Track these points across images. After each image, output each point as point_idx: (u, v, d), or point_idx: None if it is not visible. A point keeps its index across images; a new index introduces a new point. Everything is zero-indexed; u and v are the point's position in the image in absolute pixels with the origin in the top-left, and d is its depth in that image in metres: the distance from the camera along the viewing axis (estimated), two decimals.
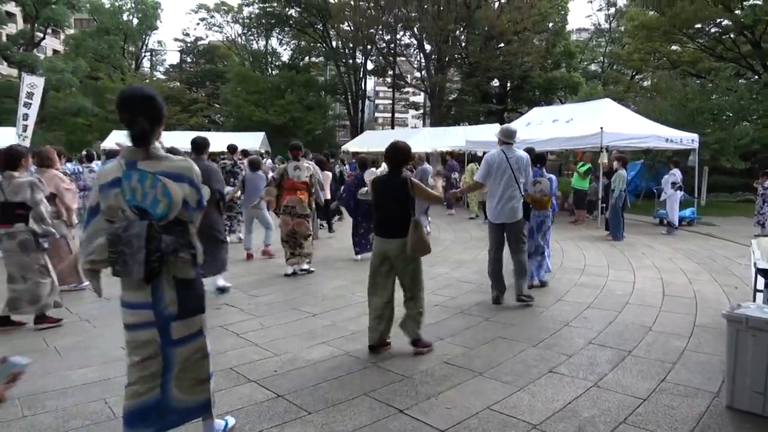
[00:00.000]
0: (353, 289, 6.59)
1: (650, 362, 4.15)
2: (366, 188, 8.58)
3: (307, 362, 4.19)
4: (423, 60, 33.48)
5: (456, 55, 32.22)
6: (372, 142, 24.55)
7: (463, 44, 32.25)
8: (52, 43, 46.88)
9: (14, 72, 36.68)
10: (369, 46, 35.56)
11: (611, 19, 36.38)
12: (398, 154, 4.38)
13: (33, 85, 15.74)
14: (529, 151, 6.39)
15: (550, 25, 32.92)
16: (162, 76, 45.77)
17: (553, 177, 6.85)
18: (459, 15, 29.78)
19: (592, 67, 38.77)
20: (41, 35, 38.91)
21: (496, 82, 33.99)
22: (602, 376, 3.88)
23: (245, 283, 6.88)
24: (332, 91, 39.28)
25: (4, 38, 37.95)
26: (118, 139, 22.49)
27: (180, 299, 2.62)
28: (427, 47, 32.16)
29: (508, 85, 34.18)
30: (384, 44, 34.78)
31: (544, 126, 14.69)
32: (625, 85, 27.01)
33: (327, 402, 3.47)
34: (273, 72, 39.41)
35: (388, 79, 38.34)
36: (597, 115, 13.34)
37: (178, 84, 40.84)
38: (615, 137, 12.08)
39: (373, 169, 9.10)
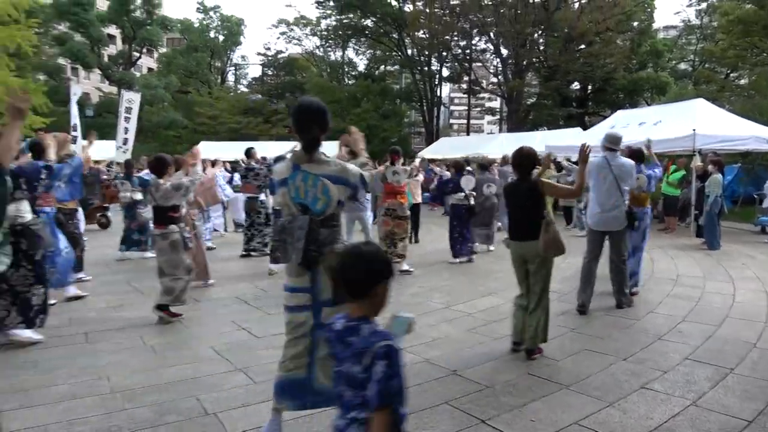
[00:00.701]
0: (431, 296, 6.56)
1: (756, 381, 3.82)
2: (463, 193, 8.71)
3: None
4: (500, 65, 32.96)
5: (534, 59, 31.44)
6: (447, 148, 24.45)
7: (542, 47, 31.42)
8: (146, 62, 50.31)
9: (115, 89, 39.69)
10: (444, 53, 35.48)
11: (703, 14, 34.21)
12: (524, 159, 4.47)
13: (131, 100, 16.92)
14: (637, 152, 6.43)
15: (635, 24, 31.41)
16: (245, 89, 47.92)
17: (654, 172, 6.57)
18: (537, 18, 29.08)
19: (682, 66, 36.58)
20: (138, 55, 41.95)
21: (576, 85, 32.84)
22: (701, 395, 3.61)
23: None
24: (407, 98, 39.51)
25: (106, 59, 41.12)
26: (206, 149, 23.72)
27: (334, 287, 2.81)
28: (504, 52, 31.64)
29: (590, 87, 32.91)
30: (459, 50, 34.58)
31: (629, 129, 13.99)
32: (718, 84, 25.25)
33: (408, 409, 3.45)
34: (349, 82, 40.20)
35: (464, 85, 38.07)
36: (688, 116, 12.53)
37: (260, 96, 42.55)
38: (709, 139, 11.29)
39: (470, 176, 9.12)
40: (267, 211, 9.23)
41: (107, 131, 27.06)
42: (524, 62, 30.61)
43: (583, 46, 29.47)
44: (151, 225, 9.22)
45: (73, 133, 13.74)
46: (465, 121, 41.78)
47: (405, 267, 7.88)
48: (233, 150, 24.09)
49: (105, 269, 8.19)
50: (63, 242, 5.86)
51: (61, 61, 39.03)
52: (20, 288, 4.68)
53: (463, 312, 5.84)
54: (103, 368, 4.23)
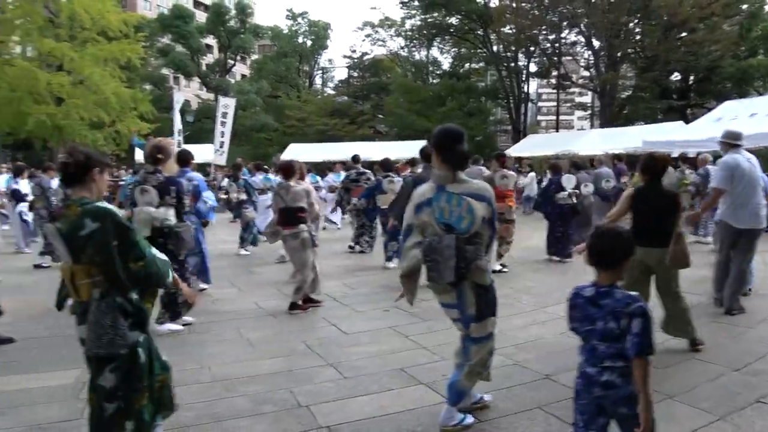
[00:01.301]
0: (520, 297, 6.39)
1: None
2: (565, 193, 8.60)
3: None
4: (591, 57, 31.49)
5: (629, 50, 29.75)
6: (534, 146, 23.73)
7: (638, 37, 29.68)
8: (240, 69, 52.91)
9: (212, 96, 42.12)
10: (532, 48, 34.45)
11: None
12: (655, 164, 4.43)
13: (226, 105, 17.86)
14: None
15: (744, 7, 28.88)
16: (332, 92, 49.14)
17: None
18: (633, 6, 27.48)
19: None
20: (232, 62, 44.29)
21: (677, 76, 30.70)
22: None
23: None
24: (493, 96, 38.77)
25: (204, 67, 43.71)
26: (295, 151, 24.60)
27: (477, 302, 3.08)
28: (596, 43, 30.15)
29: (692, 77, 30.63)
30: (548, 44, 33.42)
31: (739, 121, 12.90)
32: None
33: (498, 412, 3.39)
34: (434, 81, 40.09)
35: (553, 80, 36.77)
36: None
37: (346, 98, 43.48)
38: None
39: (570, 175, 8.99)
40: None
41: (205, 135, 28.75)
42: (618, 54, 29.05)
43: (684, 34, 27.48)
44: (257, 223, 9.78)
45: (177, 138, 14.72)
46: (554, 118, 40.35)
47: (497, 267, 7.74)
48: (321, 151, 24.86)
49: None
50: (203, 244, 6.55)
51: (164, 71, 41.97)
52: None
53: (555, 314, 5.63)
54: (205, 358, 4.49)
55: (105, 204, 2.55)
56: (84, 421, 3.33)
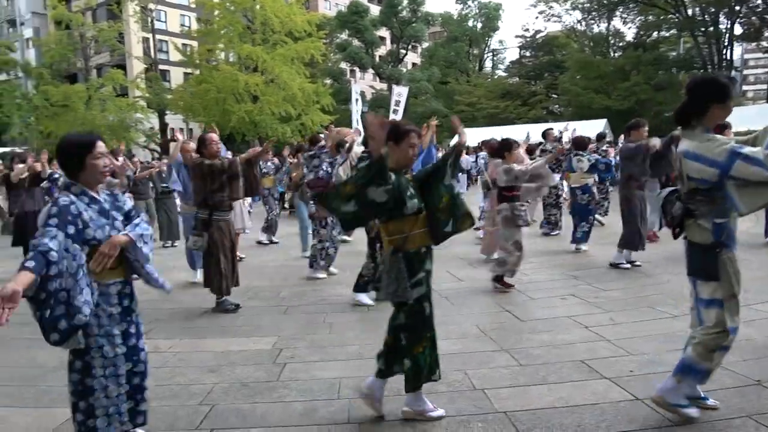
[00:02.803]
0: None
1: None
2: None
3: (670, 367, 3.74)
4: None
5: None
6: (741, 120, 20.64)
7: None
8: (411, 58, 54.14)
9: (385, 86, 43.83)
10: (737, 7, 29.89)
11: None
12: None
13: (400, 94, 18.42)
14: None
15: None
16: (502, 74, 47.99)
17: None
18: None
19: None
20: (404, 52, 45.48)
21: None
22: None
23: (590, 275, 6.60)
24: (687, 65, 34.46)
25: (377, 59, 45.59)
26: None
27: (689, 258, 3.02)
28: None
29: None
30: (759, 1, 28.71)
31: None
32: None
33: (702, 416, 3.03)
34: (615, 54, 36.95)
35: (764, 43, 31.57)
36: None
37: (518, 79, 42.15)
38: None
39: None
40: (558, 192, 9.54)
41: None
42: None
43: None
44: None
45: (356, 127, 15.59)
46: (764, 87, 34.68)
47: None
48: (492, 135, 24.41)
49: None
50: None
51: (342, 65, 44.65)
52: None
53: (765, 313, 4.89)
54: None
55: None
56: (280, 383, 3.73)
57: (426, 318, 3.08)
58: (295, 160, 10.10)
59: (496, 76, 47.01)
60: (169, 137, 30.79)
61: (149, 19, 31.53)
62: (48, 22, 34.02)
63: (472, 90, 39.02)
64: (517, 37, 46.20)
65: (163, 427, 3.18)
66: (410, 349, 3.05)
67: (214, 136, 5.76)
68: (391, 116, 18.37)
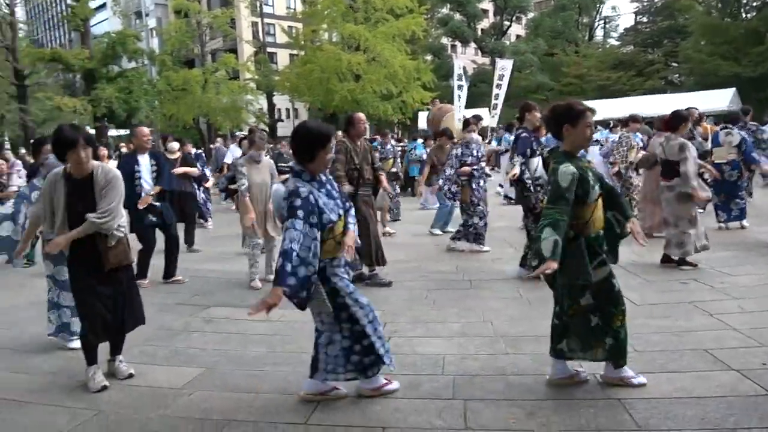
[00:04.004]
0: None
1: None
2: None
3: None
4: None
5: None
6: None
7: None
8: (515, 30, 52.04)
9: (486, 60, 42.64)
10: None
11: None
12: None
13: (503, 68, 17.84)
14: None
15: None
16: (615, 42, 44.89)
17: None
18: None
19: None
20: (508, 23, 43.83)
21: None
22: None
23: (715, 258, 6.06)
24: None
25: (479, 32, 44.36)
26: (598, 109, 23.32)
27: None
28: None
29: None
30: None
31: None
32: None
33: None
34: (747, 16, 33.15)
35: None
36: None
37: (632, 47, 39.22)
38: None
39: None
40: None
41: (481, 99, 29.37)
42: None
43: None
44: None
45: (458, 103, 15.35)
46: None
47: None
48: (602, 108, 22.96)
49: None
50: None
51: (443, 40, 43.94)
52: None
53: None
54: (487, 313, 4.66)
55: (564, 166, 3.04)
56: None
57: (617, 293, 3.13)
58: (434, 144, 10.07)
59: (607, 46, 44.05)
60: (276, 118, 32.19)
61: (258, 4, 32.87)
62: (169, 11, 36.62)
63: (580, 61, 36.90)
64: (632, 2, 42.71)
65: (275, 390, 3.38)
66: (609, 326, 3.09)
67: (362, 116, 5.90)
68: (494, 91, 17.86)
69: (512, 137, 11.39)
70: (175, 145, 8.44)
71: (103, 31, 32.07)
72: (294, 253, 2.75)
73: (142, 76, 29.29)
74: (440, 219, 8.77)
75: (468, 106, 25.74)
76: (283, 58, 38.81)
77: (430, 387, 3.31)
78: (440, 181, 7.45)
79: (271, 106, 31.76)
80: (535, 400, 3.09)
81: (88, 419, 3.11)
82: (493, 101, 17.87)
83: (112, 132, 26.39)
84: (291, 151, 3.48)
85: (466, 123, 8.11)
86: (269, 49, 35.75)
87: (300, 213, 2.83)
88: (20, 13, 29.96)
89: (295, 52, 33.05)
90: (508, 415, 2.94)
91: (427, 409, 3.04)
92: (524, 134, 5.98)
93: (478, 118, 8.87)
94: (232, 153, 12.25)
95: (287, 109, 37.78)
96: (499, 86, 17.67)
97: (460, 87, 16.25)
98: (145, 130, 6.23)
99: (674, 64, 37.24)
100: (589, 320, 3.13)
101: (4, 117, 25.25)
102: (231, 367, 3.76)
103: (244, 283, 6.01)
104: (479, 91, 34.66)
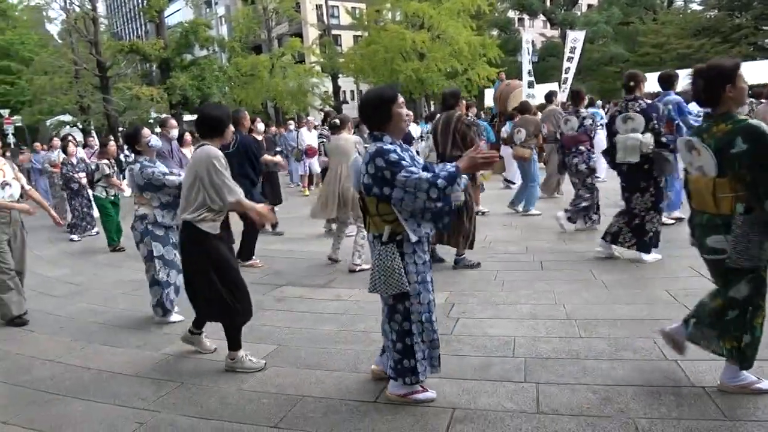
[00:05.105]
0: None
1: None
2: None
3: None
4: None
5: None
6: None
7: None
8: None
9: (555, 33, 40.93)
10: None
11: None
12: None
13: (575, 39, 17.08)
14: None
15: None
16: (697, 8, 41.84)
17: None
18: None
19: None
20: None
21: None
22: None
23: None
24: None
25: (548, 3, 42.56)
26: (650, 82, 22.06)
27: None
28: None
29: None
30: None
31: None
32: None
33: None
34: None
35: None
36: None
37: (717, 12, 36.41)
38: None
39: None
40: None
41: (550, 74, 28.35)
42: None
43: None
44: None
45: (528, 78, 14.89)
46: None
47: None
48: (683, 78, 21.53)
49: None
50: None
51: (510, 14, 42.53)
52: (638, 211, 5.18)
53: None
54: (558, 295, 4.52)
55: (756, 122, 2.65)
56: (453, 337, 3.78)
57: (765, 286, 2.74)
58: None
59: (689, 11, 41.13)
60: (341, 100, 32.43)
61: None
62: None
63: (659, 29, 34.69)
64: None
65: (347, 368, 3.44)
66: (751, 322, 2.72)
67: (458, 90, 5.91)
68: (565, 65, 17.14)
69: (601, 111, 10.73)
70: (262, 126, 8.96)
71: (176, 21, 33.36)
72: (427, 174, 2.63)
73: (213, 63, 30.32)
74: (523, 197, 8.38)
75: (537, 80, 24.99)
76: (347, 39, 38.97)
77: (500, 369, 3.26)
78: (575, 160, 6.77)
79: (336, 88, 32.06)
80: (612, 385, 2.97)
81: (172, 390, 3.29)
82: (564, 75, 17.17)
83: (187, 118, 27.51)
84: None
85: (550, 96, 7.81)
86: (333, 32, 35.97)
87: (404, 162, 2.68)
88: (101, 8, 31.65)
89: (359, 33, 33.13)
90: (582, 400, 2.85)
91: (497, 391, 3.00)
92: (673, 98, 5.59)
93: (553, 94, 8.57)
94: (302, 137, 12.49)
95: (351, 91, 38.01)
96: (570, 59, 16.93)
97: (529, 62, 15.70)
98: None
99: (765, 28, 34.28)
100: (746, 312, 2.71)
101: (90, 107, 26.87)
102: (303, 345, 3.86)
103: (314, 264, 6.15)
104: (548, 65, 33.44)
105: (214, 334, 3.89)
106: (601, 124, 8.82)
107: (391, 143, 2.79)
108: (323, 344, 3.86)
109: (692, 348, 3.31)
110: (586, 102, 7.31)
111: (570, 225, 6.71)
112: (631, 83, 5.30)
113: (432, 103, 29.61)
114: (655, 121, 5.13)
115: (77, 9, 25.24)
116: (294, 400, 3.07)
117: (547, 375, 3.14)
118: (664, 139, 5.08)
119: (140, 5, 33.57)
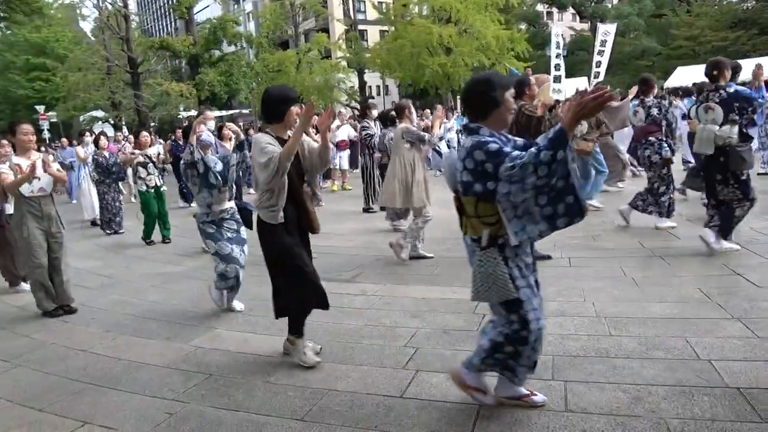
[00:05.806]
0: None
1: None
2: None
3: None
4: None
5: None
6: None
7: None
8: None
9: (585, 26, 40.23)
10: None
11: None
12: None
13: (606, 32, 16.65)
14: None
15: None
16: None
17: None
18: None
19: None
20: None
21: None
22: None
23: None
24: None
25: None
26: (682, 76, 21.48)
27: None
28: None
29: None
30: None
31: None
32: None
33: None
34: None
35: None
36: None
37: (755, 2, 35.28)
38: None
39: None
40: None
41: (579, 68, 27.89)
42: None
43: None
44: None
45: (555, 73, 14.63)
46: None
47: None
48: None
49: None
50: None
51: (538, 7, 41.95)
52: (728, 200, 5.06)
53: None
54: (587, 293, 4.45)
55: None
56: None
57: None
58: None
59: (724, 2, 39.95)
60: (367, 95, 32.44)
61: None
62: None
63: (693, 21, 33.79)
64: None
65: (374, 363, 3.44)
66: None
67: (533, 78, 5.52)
68: (595, 58, 16.78)
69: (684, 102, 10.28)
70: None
71: (204, 18, 33.78)
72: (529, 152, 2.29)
73: (240, 59, 30.64)
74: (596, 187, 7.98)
75: (566, 74, 24.59)
76: (373, 35, 38.94)
77: None
78: (647, 152, 6.32)
79: (363, 83, 32.07)
80: (642, 384, 2.91)
81: (200, 382, 3.34)
82: (594, 69, 16.76)
83: (215, 113, 27.90)
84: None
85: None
86: (360, 27, 35.96)
87: (506, 149, 2.39)
88: (132, 5, 32.25)
89: (385, 28, 33.08)
90: (612, 399, 2.80)
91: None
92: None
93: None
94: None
95: (377, 86, 37.99)
96: (601, 53, 16.51)
97: (558, 56, 15.41)
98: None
99: None
100: None
101: (121, 103, 27.44)
102: (328, 338, 3.88)
103: (340, 259, 6.17)
104: (578, 59, 32.92)
105: (238, 327, 3.92)
106: (683, 114, 8.63)
107: (490, 135, 2.50)
108: (348, 339, 3.87)
109: (727, 348, 3.24)
110: (655, 91, 6.80)
111: (637, 213, 6.43)
112: (714, 72, 5.05)
113: (458, 98, 29.41)
114: (737, 113, 4.88)
115: (109, 6, 25.78)
116: (320, 394, 3.09)
117: (575, 373, 3.10)
118: (750, 132, 4.87)
119: (170, 2, 34.06)
